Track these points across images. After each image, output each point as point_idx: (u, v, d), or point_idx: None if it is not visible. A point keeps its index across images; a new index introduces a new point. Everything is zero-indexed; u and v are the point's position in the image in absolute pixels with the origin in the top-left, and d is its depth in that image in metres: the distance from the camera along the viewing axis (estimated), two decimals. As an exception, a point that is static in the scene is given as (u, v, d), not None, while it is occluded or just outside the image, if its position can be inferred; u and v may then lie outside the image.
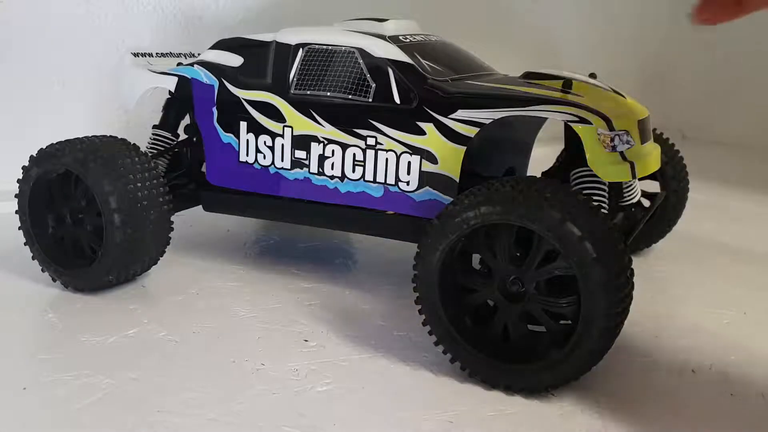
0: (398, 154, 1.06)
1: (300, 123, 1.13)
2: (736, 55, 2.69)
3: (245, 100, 1.17)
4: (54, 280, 1.18)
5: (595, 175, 1.07)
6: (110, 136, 1.19)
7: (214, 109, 1.20)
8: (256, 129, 1.16)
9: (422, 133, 1.04)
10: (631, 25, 2.47)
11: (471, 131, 1.01)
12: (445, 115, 1.03)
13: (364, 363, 0.97)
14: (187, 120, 1.37)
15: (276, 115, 1.14)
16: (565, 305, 0.86)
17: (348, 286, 1.23)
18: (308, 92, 1.12)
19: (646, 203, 1.29)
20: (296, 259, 1.35)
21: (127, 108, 1.33)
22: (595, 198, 1.06)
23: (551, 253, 0.86)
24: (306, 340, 1.03)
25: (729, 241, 1.51)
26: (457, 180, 1.04)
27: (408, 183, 1.07)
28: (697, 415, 0.87)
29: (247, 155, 1.18)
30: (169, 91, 1.32)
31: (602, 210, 1.01)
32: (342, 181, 1.11)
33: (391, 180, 1.08)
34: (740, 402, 0.90)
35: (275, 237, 1.47)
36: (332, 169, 1.11)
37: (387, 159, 1.07)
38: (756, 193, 1.92)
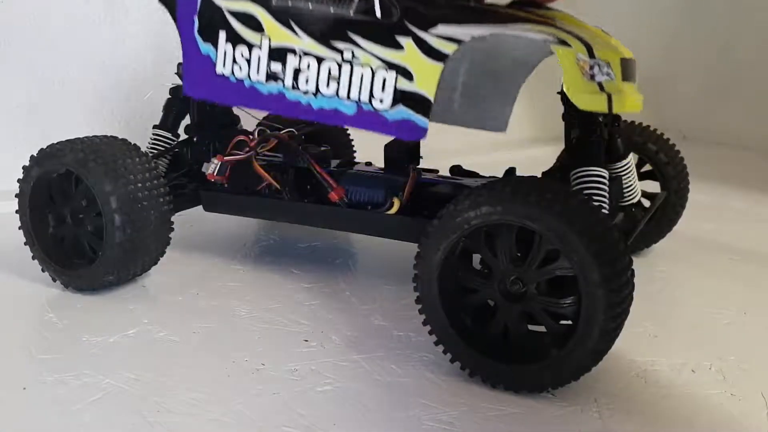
0: (374, 69, 1.03)
1: (278, 34, 1.09)
2: (736, 55, 2.69)
3: (227, 10, 1.13)
4: (54, 280, 1.18)
5: (595, 175, 1.07)
6: (111, 136, 1.19)
7: (196, 18, 1.17)
8: (234, 39, 1.13)
9: (400, 47, 1.01)
10: (631, 25, 2.47)
11: (450, 48, 0.98)
12: (425, 30, 0.99)
13: (364, 363, 0.97)
14: (187, 120, 1.37)
15: (255, 25, 1.11)
16: (565, 305, 0.86)
17: (348, 286, 1.23)
18: (290, 3, 1.08)
19: (647, 203, 1.29)
20: (296, 259, 1.35)
21: None
22: (595, 198, 1.06)
23: (552, 253, 0.86)
24: (306, 340, 1.03)
25: (729, 241, 1.51)
26: (432, 100, 1.00)
27: (382, 101, 1.03)
28: (697, 415, 0.87)
29: (224, 67, 1.15)
30: (170, 90, 1.33)
31: (603, 210, 1.01)
32: (315, 96, 1.08)
33: (365, 97, 1.04)
34: (740, 402, 0.90)
35: (275, 237, 1.47)
36: (306, 84, 1.08)
37: (362, 75, 1.04)
38: (756, 193, 1.92)
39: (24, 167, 1.16)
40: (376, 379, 0.93)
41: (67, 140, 1.15)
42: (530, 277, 0.87)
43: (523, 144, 2.23)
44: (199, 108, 1.34)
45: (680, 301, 1.22)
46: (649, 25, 2.65)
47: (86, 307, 1.12)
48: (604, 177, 1.08)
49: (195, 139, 1.35)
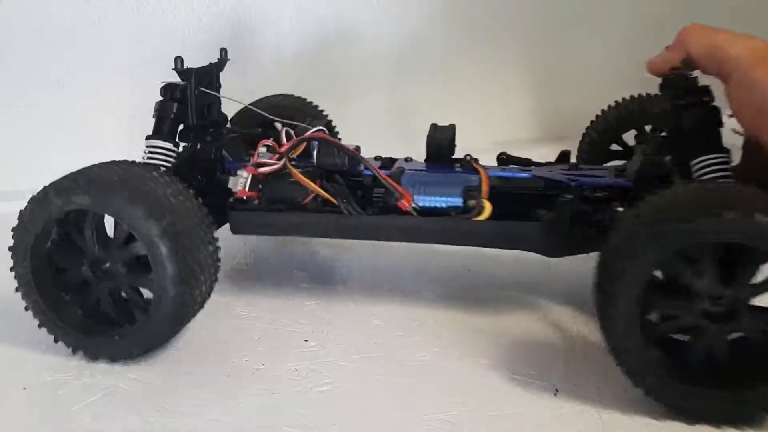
0: None
1: None
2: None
3: None
4: (74, 351, 0.97)
5: (725, 162, 0.96)
6: (130, 162, 1.01)
7: None
8: None
9: None
10: (632, 25, 2.47)
11: None
12: None
13: (364, 363, 0.97)
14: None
15: None
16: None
17: (348, 286, 1.23)
18: None
19: None
20: (296, 259, 1.35)
21: None
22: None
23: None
24: (306, 340, 1.03)
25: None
26: None
27: None
28: (698, 415, 0.87)
29: None
30: (161, 90, 1.13)
31: None
32: None
33: None
34: (740, 402, 0.89)
35: (275, 237, 1.47)
36: None
37: None
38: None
39: (22, 212, 0.94)
40: (376, 379, 0.93)
41: (80, 172, 0.94)
42: (743, 296, 0.79)
43: (526, 143, 2.22)
44: (198, 108, 1.14)
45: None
46: (650, 25, 2.64)
47: (86, 307, 1.12)
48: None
49: (198, 146, 1.15)
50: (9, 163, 1.25)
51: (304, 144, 1.09)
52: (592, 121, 1.34)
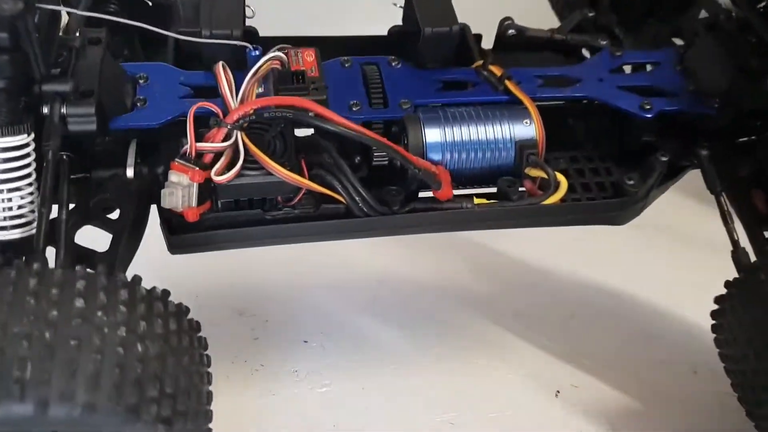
0: None
1: None
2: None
3: None
4: None
5: None
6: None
7: None
8: None
9: None
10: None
11: None
12: None
13: (364, 363, 0.97)
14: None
15: None
16: None
17: (347, 286, 1.22)
18: None
19: None
20: (295, 259, 1.34)
21: None
22: None
23: None
24: (306, 341, 1.03)
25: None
26: None
27: None
28: (698, 415, 0.87)
29: None
30: None
31: None
32: None
33: None
34: (741, 402, 0.89)
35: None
36: None
37: None
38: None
39: None
40: (376, 379, 0.93)
41: None
42: None
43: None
44: (45, 44, 0.61)
45: (681, 300, 1.22)
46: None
47: (86, 308, 1.12)
48: None
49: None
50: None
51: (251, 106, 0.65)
52: None
